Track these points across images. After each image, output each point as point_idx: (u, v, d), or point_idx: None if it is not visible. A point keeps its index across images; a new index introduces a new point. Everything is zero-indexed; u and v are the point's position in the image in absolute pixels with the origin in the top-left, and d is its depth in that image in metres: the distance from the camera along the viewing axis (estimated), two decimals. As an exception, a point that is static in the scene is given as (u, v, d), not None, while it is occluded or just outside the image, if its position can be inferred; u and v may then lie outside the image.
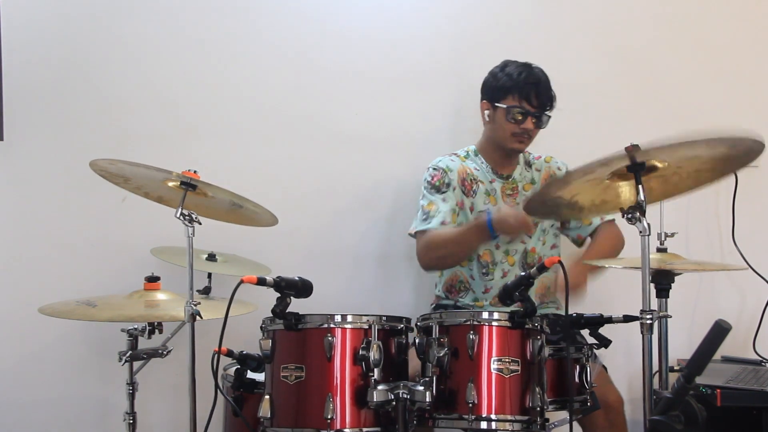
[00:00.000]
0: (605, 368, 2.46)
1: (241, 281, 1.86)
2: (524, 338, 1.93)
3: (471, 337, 1.89)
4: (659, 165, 1.98)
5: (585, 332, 2.13)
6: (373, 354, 1.87)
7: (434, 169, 2.67)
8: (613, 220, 2.75)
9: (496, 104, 2.60)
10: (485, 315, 1.94)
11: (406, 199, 2.82)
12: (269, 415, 1.90)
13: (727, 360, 2.87)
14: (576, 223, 2.75)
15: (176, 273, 2.38)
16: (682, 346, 2.79)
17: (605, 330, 2.09)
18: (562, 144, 2.84)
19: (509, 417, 1.88)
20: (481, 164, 2.71)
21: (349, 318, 1.92)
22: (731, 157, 2.06)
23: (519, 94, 2.57)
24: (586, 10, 3.08)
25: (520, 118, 2.57)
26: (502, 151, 2.68)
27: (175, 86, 2.94)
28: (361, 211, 3.01)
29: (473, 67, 2.78)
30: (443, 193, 2.62)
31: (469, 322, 1.92)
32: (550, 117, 2.61)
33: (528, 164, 2.77)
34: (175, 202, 2.21)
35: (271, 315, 1.93)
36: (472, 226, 2.48)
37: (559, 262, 1.92)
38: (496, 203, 2.67)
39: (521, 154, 2.74)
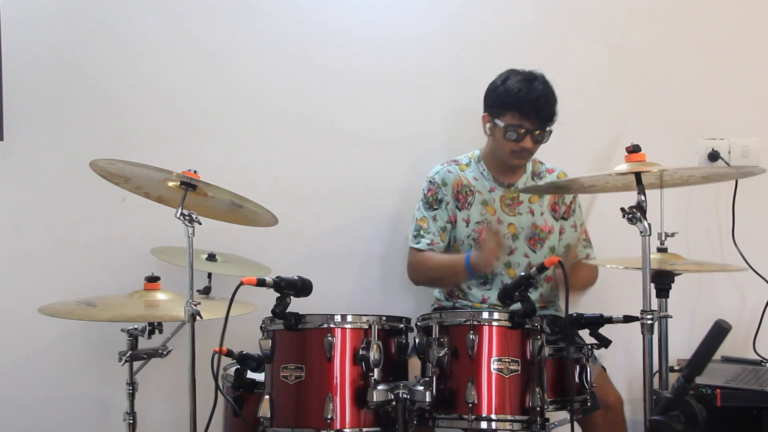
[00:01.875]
0: (604, 368, 2.46)
1: (241, 283, 1.86)
2: (524, 338, 1.93)
3: (471, 337, 1.89)
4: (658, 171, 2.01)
5: (585, 332, 2.13)
6: (373, 354, 1.87)
7: (430, 182, 2.69)
8: (594, 259, 2.75)
9: (496, 120, 2.56)
10: (485, 315, 1.94)
11: (406, 199, 2.82)
12: (269, 415, 1.90)
13: (727, 360, 2.87)
14: (565, 251, 2.73)
15: (176, 273, 2.38)
16: (682, 346, 2.79)
17: (605, 330, 2.09)
18: (563, 144, 2.84)
19: (509, 417, 1.88)
20: (482, 172, 2.70)
21: (349, 318, 1.92)
22: (730, 173, 2.10)
23: (518, 112, 2.51)
24: (586, 11, 3.07)
25: (519, 134, 2.52)
26: (504, 163, 2.66)
27: (176, 86, 2.94)
28: (361, 211, 3.01)
29: (474, 69, 2.78)
30: (434, 210, 2.66)
31: (469, 322, 1.92)
32: (551, 132, 2.57)
33: (537, 175, 2.74)
34: (175, 202, 2.21)
35: (271, 315, 1.93)
36: (456, 262, 2.54)
37: (559, 262, 1.92)
38: (495, 213, 2.66)
39: (529, 163, 2.72)
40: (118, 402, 2.52)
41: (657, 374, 2.34)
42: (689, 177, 2.13)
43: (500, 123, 2.54)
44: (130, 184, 2.34)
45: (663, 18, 3.09)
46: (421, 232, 2.65)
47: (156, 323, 2.37)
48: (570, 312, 2.00)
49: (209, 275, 2.59)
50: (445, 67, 3.03)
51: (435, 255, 2.63)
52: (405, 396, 1.86)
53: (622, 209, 1.96)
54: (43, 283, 2.82)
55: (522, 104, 2.51)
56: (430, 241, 2.64)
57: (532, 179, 2.73)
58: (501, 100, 2.55)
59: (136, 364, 2.40)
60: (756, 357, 2.87)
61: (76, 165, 2.58)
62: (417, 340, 1.99)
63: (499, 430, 1.87)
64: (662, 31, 3.09)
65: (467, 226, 2.65)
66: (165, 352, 2.34)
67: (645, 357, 1.94)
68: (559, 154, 2.81)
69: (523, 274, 1.92)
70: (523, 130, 2.52)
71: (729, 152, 3.00)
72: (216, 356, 1.96)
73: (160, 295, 2.38)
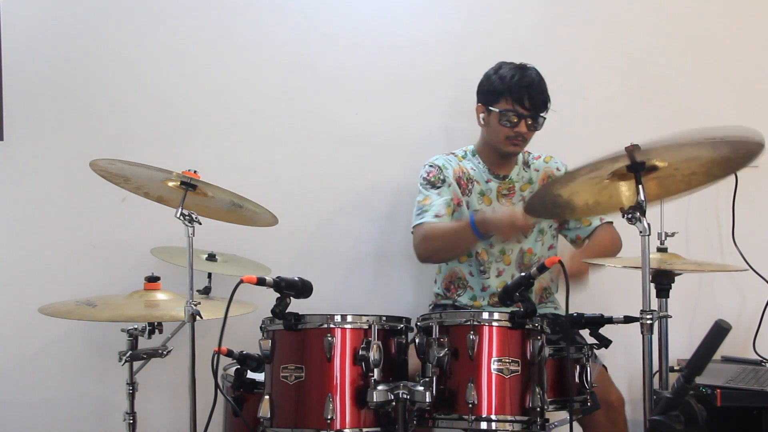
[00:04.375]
0: (605, 368, 2.46)
1: (241, 281, 1.86)
2: (524, 338, 1.93)
3: (471, 337, 1.89)
4: (659, 165, 1.98)
5: (585, 332, 2.13)
6: (373, 354, 1.87)
7: (430, 165, 2.69)
8: (611, 222, 2.72)
9: (490, 108, 2.58)
10: (485, 315, 1.94)
11: (405, 199, 2.82)
12: (269, 415, 1.90)
13: (727, 360, 2.87)
14: (575, 223, 2.74)
15: (176, 273, 2.38)
16: (682, 346, 2.80)
17: (605, 330, 2.09)
18: (564, 144, 2.84)
19: (509, 417, 1.87)
20: (478, 164, 2.71)
21: (349, 318, 1.92)
22: (731, 159, 2.06)
23: (512, 97, 2.54)
24: (585, 11, 3.08)
25: (514, 121, 2.55)
26: (499, 153, 2.67)
27: (176, 86, 2.94)
28: (360, 211, 3.01)
29: (472, 69, 2.77)
30: (438, 188, 2.64)
31: (469, 323, 1.92)
32: (545, 118, 2.59)
33: (526, 164, 2.76)
34: (175, 202, 2.21)
35: (271, 315, 1.93)
36: (462, 225, 2.51)
37: (560, 262, 1.91)
38: (491, 204, 2.68)
39: (520, 154, 2.73)
40: (118, 402, 2.52)
41: (657, 374, 2.34)
42: (691, 175, 2.11)
43: (495, 109, 2.56)
44: (130, 184, 2.34)
45: (663, 18, 3.10)
46: (425, 208, 2.60)
47: (156, 323, 2.37)
48: (570, 311, 2.00)
49: (209, 275, 2.60)
50: (445, 68, 3.03)
51: (439, 224, 2.57)
52: (405, 396, 1.86)
53: (622, 209, 1.95)
54: (43, 283, 2.82)
55: (515, 90, 2.54)
56: (435, 213, 2.58)
57: (524, 169, 2.75)
58: (495, 87, 2.57)
59: (136, 364, 2.40)
60: (756, 357, 2.87)
61: (76, 165, 2.58)
62: (417, 340, 1.99)
63: (499, 430, 1.86)
64: (662, 31, 3.10)
65: (468, 209, 2.66)
66: (165, 352, 2.34)
67: (645, 357, 1.93)
68: (559, 154, 2.81)
69: (523, 274, 1.92)
70: (516, 116, 2.54)
71: (729, 152, 3.00)
72: (216, 356, 1.96)
73: (160, 295, 2.38)
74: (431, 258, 2.68)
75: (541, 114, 2.58)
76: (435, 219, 2.57)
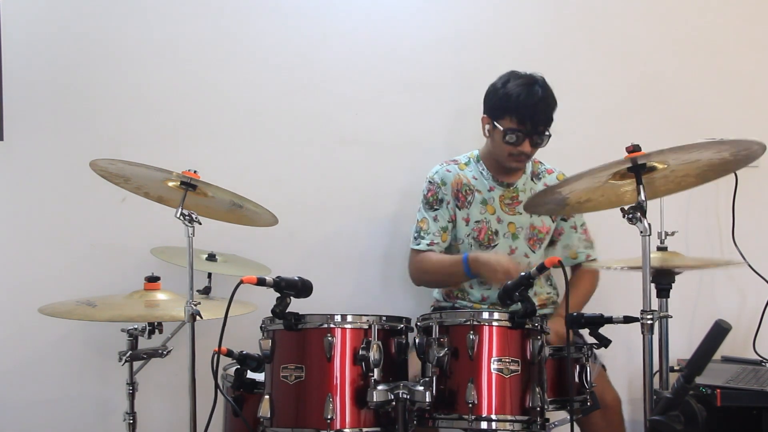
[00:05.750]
0: (604, 368, 2.46)
1: (241, 281, 1.86)
2: (524, 338, 1.93)
3: (471, 337, 1.89)
4: (659, 166, 1.99)
5: (585, 332, 2.13)
6: (373, 354, 1.87)
7: (430, 182, 2.70)
8: (595, 259, 2.75)
9: (495, 122, 2.56)
10: (485, 315, 1.94)
11: (406, 200, 2.83)
12: (269, 415, 1.90)
13: (727, 360, 2.87)
14: (564, 251, 2.75)
15: (176, 273, 2.38)
16: (682, 346, 2.79)
17: (605, 330, 2.09)
18: (564, 144, 2.84)
19: (509, 417, 1.87)
20: (482, 171, 2.70)
21: (349, 318, 1.92)
22: (731, 161, 2.06)
23: (517, 117, 2.51)
24: (587, 11, 3.08)
25: (517, 140, 2.53)
26: (503, 165, 2.66)
27: (176, 86, 2.94)
28: (361, 212, 3.01)
29: (474, 70, 2.78)
30: (435, 210, 2.66)
31: (469, 322, 1.92)
32: (550, 136, 2.56)
33: (536, 176, 2.74)
34: (175, 202, 2.21)
35: (271, 315, 1.93)
36: (454, 262, 2.56)
37: (559, 262, 1.92)
38: (494, 212, 2.67)
39: (528, 163, 2.71)
40: (118, 402, 2.52)
41: (657, 374, 2.34)
42: (684, 177, 2.12)
43: (499, 126, 2.55)
44: (130, 184, 2.34)
45: (663, 18, 3.09)
46: (422, 233, 2.66)
47: (156, 323, 2.37)
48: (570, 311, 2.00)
49: (209, 275, 2.60)
50: (446, 68, 3.03)
51: (433, 255, 2.63)
52: (405, 396, 1.86)
53: (622, 209, 1.95)
54: (43, 283, 2.82)
55: (521, 109, 2.50)
56: (430, 242, 2.64)
57: (531, 180, 2.73)
58: (501, 103, 2.55)
59: (136, 364, 2.40)
60: (756, 357, 2.87)
61: (76, 165, 2.58)
62: (417, 340, 1.99)
63: (499, 430, 1.87)
64: (663, 31, 3.09)
65: (467, 225, 2.66)
66: (165, 352, 2.34)
67: (645, 357, 1.93)
68: (558, 154, 2.81)
69: (523, 274, 1.92)
70: (521, 135, 2.52)
71: (729, 152, 3.00)
72: (216, 356, 1.96)
73: (160, 295, 2.38)
74: (424, 285, 2.77)
75: (546, 132, 2.54)
76: (428, 248, 2.63)
